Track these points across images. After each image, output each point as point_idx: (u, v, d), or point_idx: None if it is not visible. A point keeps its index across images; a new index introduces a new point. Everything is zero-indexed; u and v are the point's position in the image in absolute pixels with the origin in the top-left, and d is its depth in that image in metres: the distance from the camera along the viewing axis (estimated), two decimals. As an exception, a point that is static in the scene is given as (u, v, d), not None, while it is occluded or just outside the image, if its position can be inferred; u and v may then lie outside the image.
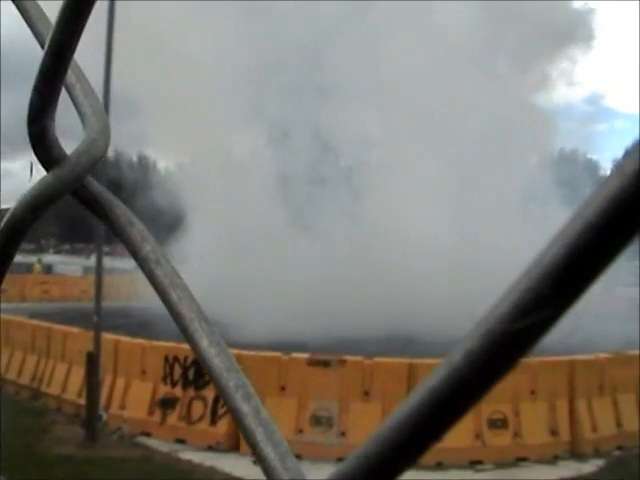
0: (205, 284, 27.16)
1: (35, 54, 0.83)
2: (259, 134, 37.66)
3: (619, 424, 14.76)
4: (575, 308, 0.38)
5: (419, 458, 0.44)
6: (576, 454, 14.16)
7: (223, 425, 14.32)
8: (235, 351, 15.07)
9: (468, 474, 13.28)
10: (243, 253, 28.85)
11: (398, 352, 16.10)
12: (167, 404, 15.12)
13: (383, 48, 33.52)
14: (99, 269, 15.66)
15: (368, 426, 11.93)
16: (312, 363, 14.48)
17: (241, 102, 33.72)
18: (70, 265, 60.74)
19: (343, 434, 13.75)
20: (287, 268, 26.38)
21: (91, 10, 0.73)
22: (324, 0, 32.77)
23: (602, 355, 15.64)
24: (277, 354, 15.01)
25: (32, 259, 53.90)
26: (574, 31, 39.92)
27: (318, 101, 33.87)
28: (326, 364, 14.38)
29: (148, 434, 14.92)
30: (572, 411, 14.59)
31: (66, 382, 17.12)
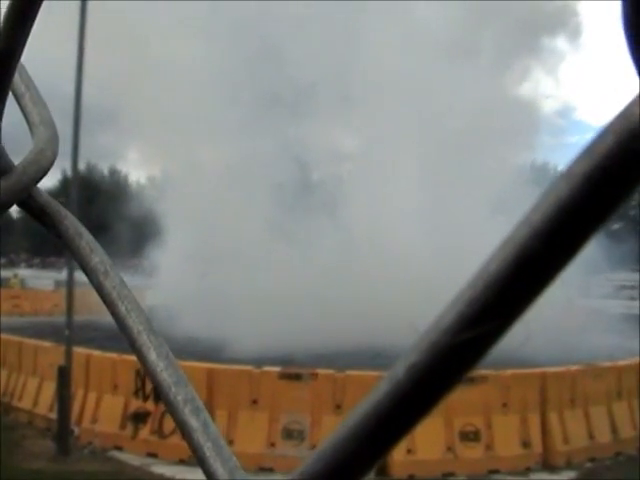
0: (178, 296, 27.15)
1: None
2: (233, 146, 37.54)
3: (591, 436, 14.81)
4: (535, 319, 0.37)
5: (365, 475, 0.42)
6: (548, 466, 14.20)
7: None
8: (207, 365, 15.04)
9: (440, 486, 13.30)
10: (216, 266, 28.79)
11: (369, 365, 16.07)
12: (139, 418, 15.02)
13: (361, 44, 33.43)
14: (70, 283, 15.55)
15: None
16: (284, 376, 14.45)
17: (213, 115, 33.64)
18: (41, 279, 60.29)
19: (315, 447, 13.67)
20: (263, 280, 26.24)
21: (36, 15, 0.71)
22: (294, 0, 32.71)
23: (573, 367, 15.70)
24: (249, 367, 14.96)
25: (7, 274, 53.41)
26: (558, 24, 40.11)
27: (293, 108, 33.83)
28: (298, 377, 14.35)
29: (120, 448, 14.82)
30: (544, 423, 14.63)
31: (37, 396, 16.99)
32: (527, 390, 14.65)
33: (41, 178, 0.80)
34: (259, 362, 15.49)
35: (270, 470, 12.96)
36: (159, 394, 0.66)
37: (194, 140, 34.31)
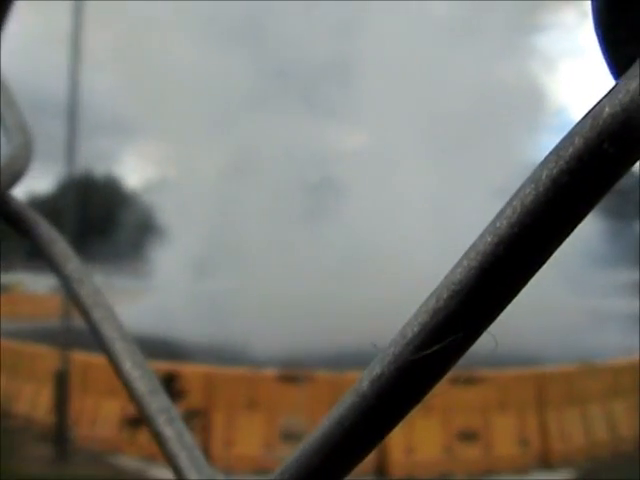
0: (177, 299, 27.11)
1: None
2: (231, 145, 37.36)
3: (589, 434, 14.80)
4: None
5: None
6: (546, 465, 14.19)
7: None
8: (204, 368, 15.05)
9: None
10: (215, 267, 28.75)
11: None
12: (136, 422, 15.00)
13: (362, 30, 33.05)
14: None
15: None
16: (281, 379, 14.43)
17: (210, 117, 33.57)
18: (39, 283, 60.12)
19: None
20: (265, 280, 26.08)
21: (7, 18, 0.70)
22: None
23: (571, 366, 15.69)
24: (246, 370, 14.95)
25: (6, 278, 53.14)
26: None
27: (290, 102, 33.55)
28: (296, 380, 14.33)
29: (118, 452, 14.79)
30: (542, 422, 14.62)
31: (35, 401, 16.96)
32: (525, 390, 14.65)
33: (15, 184, 0.79)
34: (260, 364, 15.47)
35: (268, 472, 12.93)
36: (133, 403, 0.65)
37: (192, 141, 34.22)
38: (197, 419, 13.87)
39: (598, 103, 0.34)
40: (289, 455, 0.49)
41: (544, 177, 0.34)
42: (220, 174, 34.13)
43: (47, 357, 16.82)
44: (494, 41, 35.76)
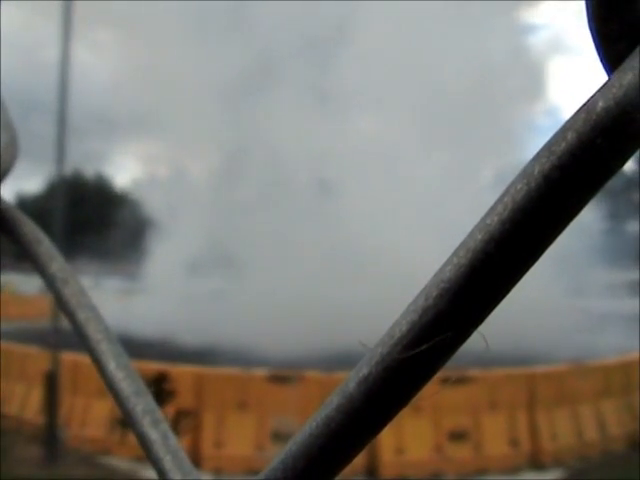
0: (169, 300, 27.05)
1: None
2: (222, 145, 37.21)
3: (579, 434, 14.83)
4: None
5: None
6: (537, 465, 14.21)
7: (183, 442, 14.16)
8: (194, 369, 15.03)
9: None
10: (207, 269, 28.72)
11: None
12: (127, 422, 14.96)
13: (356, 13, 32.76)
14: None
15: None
16: (272, 379, 14.42)
17: (201, 117, 33.50)
18: (28, 283, 59.90)
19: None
20: (257, 282, 26.02)
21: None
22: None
23: (561, 366, 15.72)
24: (236, 371, 14.93)
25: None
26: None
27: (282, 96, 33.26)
28: (286, 380, 14.32)
29: (108, 453, 14.76)
30: (532, 422, 14.64)
31: (25, 402, 16.91)
32: (515, 389, 14.66)
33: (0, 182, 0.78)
34: (252, 365, 15.44)
35: (259, 473, 12.91)
36: (117, 405, 0.64)
37: (182, 142, 34.16)
38: (187, 419, 13.85)
39: (591, 98, 0.34)
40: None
41: (536, 173, 0.33)
42: (211, 173, 34.08)
43: (37, 358, 16.78)
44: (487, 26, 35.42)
